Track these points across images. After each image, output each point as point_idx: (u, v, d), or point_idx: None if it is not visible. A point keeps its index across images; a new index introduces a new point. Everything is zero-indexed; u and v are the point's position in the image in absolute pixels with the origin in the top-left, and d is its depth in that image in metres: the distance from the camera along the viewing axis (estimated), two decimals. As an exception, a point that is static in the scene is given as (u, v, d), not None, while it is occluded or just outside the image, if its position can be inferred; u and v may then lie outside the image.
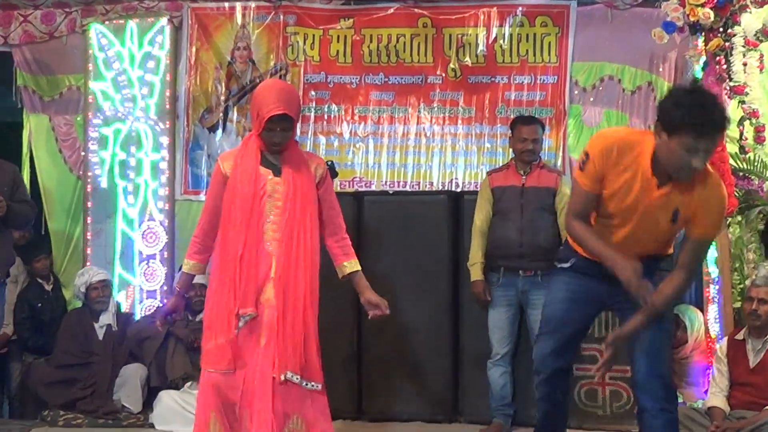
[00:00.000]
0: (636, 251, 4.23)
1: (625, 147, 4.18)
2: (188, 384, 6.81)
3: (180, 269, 5.32)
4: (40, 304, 7.73)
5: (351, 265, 5.15)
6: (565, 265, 4.56)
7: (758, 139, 6.20)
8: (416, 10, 8.11)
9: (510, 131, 6.58)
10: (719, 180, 4.21)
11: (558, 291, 4.61)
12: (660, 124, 4.01)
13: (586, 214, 4.37)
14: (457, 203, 6.86)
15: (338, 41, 8.24)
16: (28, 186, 8.10)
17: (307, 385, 4.80)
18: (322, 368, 4.89)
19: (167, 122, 8.21)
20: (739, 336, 5.74)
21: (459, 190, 7.84)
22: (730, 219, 6.15)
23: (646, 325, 4.25)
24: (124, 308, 7.82)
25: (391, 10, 8.16)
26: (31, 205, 6.48)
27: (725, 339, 5.84)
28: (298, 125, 8.06)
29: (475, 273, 6.34)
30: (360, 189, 7.98)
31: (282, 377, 4.70)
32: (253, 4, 8.28)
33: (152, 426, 6.71)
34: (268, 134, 4.84)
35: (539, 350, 4.64)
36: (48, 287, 7.90)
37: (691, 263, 4.31)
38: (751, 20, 5.98)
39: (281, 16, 8.25)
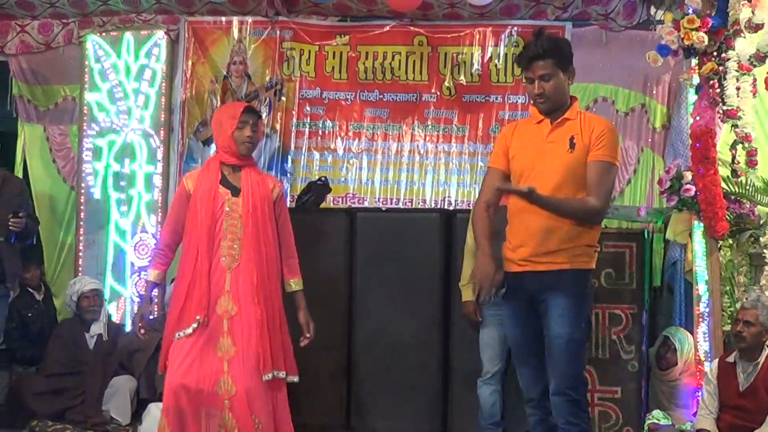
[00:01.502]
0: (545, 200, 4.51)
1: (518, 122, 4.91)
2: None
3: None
4: (30, 314, 7.71)
5: (296, 284, 5.60)
6: (502, 292, 4.79)
7: (750, 163, 6.22)
8: (412, 28, 8.16)
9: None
10: (598, 117, 4.84)
11: (508, 318, 4.86)
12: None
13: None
14: (450, 222, 6.87)
15: (334, 57, 8.27)
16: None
17: (286, 377, 5.37)
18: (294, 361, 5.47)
19: (162, 135, 8.23)
20: (730, 359, 5.75)
21: (452, 208, 7.86)
22: (721, 242, 6.16)
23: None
24: (115, 320, 7.82)
25: (387, 28, 8.20)
26: (35, 220, 6.55)
27: (716, 361, 5.85)
28: (292, 140, 8.18)
29: (467, 294, 6.33)
30: (353, 205, 8.00)
31: (267, 377, 5.23)
32: (249, 19, 8.31)
33: (141, 438, 6.71)
34: (240, 132, 5.32)
35: (523, 379, 4.81)
36: (39, 297, 7.89)
37: (594, 185, 4.53)
38: (745, 45, 6.00)
39: (278, 32, 8.29)
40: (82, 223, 8.25)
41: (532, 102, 4.74)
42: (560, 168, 4.56)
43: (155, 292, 5.60)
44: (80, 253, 8.20)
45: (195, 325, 5.20)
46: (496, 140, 4.98)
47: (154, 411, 6.70)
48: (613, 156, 4.61)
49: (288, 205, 7.85)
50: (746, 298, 5.98)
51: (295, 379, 5.43)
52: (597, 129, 4.59)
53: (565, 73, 4.63)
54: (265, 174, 5.84)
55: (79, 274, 7.97)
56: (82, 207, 8.25)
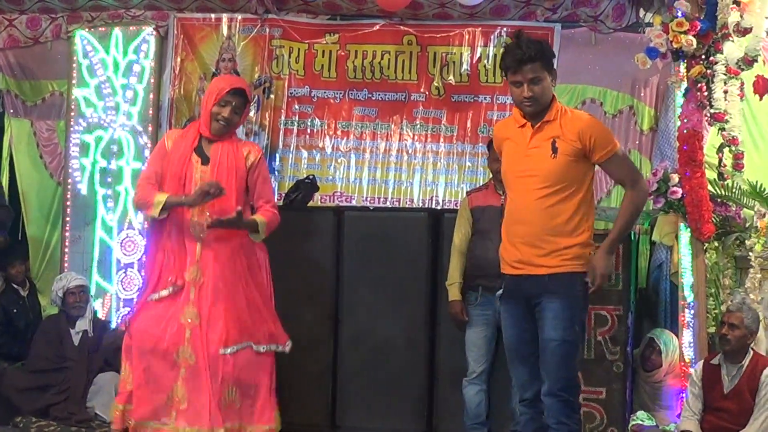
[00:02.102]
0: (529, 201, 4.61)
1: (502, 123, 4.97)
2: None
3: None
4: (15, 310, 7.68)
5: (255, 216, 5.46)
6: (499, 293, 4.89)
7: (737, 166, 6.24)
8: (402, 27, 8.16)
9: (488, 151, 6.61)
10: (577, 113, 4.81)
11: (504, 319, 4.88)
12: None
13: None
14: (437, 221, 6.87)
15: (323, 56, 8.27)
16: (6, 190, 8.11)
17: (258, 348, 5.35)
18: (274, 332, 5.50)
19: (150, 131, 8.20)
20: (715, 361, 5.77)
21: (439, 208, 7.88)
22: (707, 245, 6.19)
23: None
24: (101, 316, 7.79)
25: (377, 27, 8.21)
26: (8, 210, 6.50)
27: (701, 363, 5.87)
28: (281, 138, 8.17)
29: (453, 293, 6.34)
30: (340, 204, 8.00)
31: (230, 350, 5.26)
32: (239, 16, 8.30)
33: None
34: (218, 108, 5.30)
35: (517, 378, 4.89)
36: (24, 293, 7.85)
37: (625, 176, 4.73)
38: (733, 48, 6.02)
39: (267, 29, 8.28)
40: (68, 218, 8.21)
41: (516, 104, 4.79)
42: (545, 173, 4.61)
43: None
44: (66, 249, 8.17)
45: (171, 288, 5.27)
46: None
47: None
48: (613, 143, 4.68)
49: (276, 203, 7.91)
50: (731, 301, 6.01)
51: (286, 348, 5.48)
52: (582, 131, 4.61)
53: (550, 75, 4.68)
54: (242, 142, 5.73)
55: (65, 270, 7.93)
56: (68, 203, 8.22)
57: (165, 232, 5.36)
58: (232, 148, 5.41)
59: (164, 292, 5.29)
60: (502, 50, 4.82)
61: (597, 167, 4.75)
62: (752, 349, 5.73)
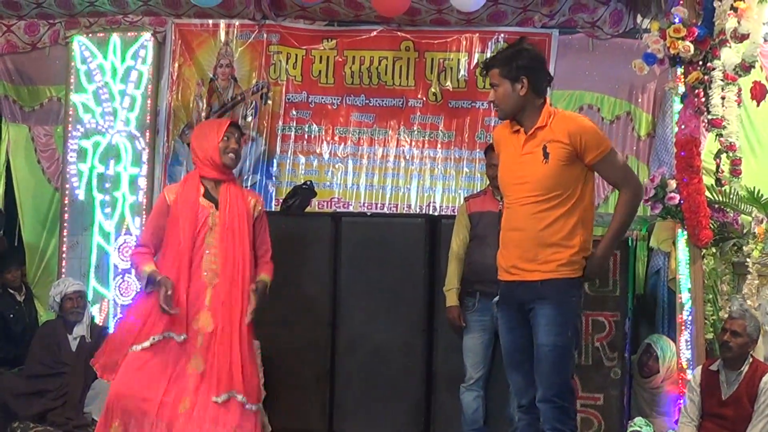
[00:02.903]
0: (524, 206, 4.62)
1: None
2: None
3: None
4: (11, 315, 7.69)
5: (262, 276, 5.43)
6: (496, 299, 4.91)
7: (734, 172, 6.24)
8: (399, 33, 8.17)
9: (485, 157, 6.62)
10: (567, 115, 4.82)
11: (500, 326, 4.90)
12: None
13: None
14: (435, 227, 6.87)
15: (320, 62, 8.27)
16: (3, 195, 8.12)
17: (246, 405, 5.15)
18: (259, 388, 5.33)
19: (147, 137, 8.21)
20: (714, 367, 5.76)
21: (437, 213, 7.87)
22: (704, 251, 6.18)
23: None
24: (98, 322, 7.79)
25: (374, 33, 8.21)
26: (1, 214, 6.50)
27: (699, 368, 5.86)
28: (278, 144, 8.18)
29: (451, 299, 6.33)
30: (338, 210, 8.00)
31: (221, 398, 5.08)
32: (237, 22, 8.30)
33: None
34: (224, 142, 5.27)
35: (514, 384, 4.88)
36: (20, 298, 7.86)
37: (619, 177, 4.71)
38: (730, 54, 6.03)
39: (265, 35, 8.28)
40: (66, 224, 8.22)
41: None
42: (537, 180, 4.61)
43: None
44: (64, 255, 8.17)
45: (154, 339, 5.10)
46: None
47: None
48: (605, 143, 4.67)
49: (273, 209, 7.92)
50: (730, 307, 6.01)
51: (253, 407, 5.20)
52: (572, 132, 4.60)
53: (514, 83, 4.65)
54: (246, 190, 5.83)
55: (63, 276, 7.93)
56: (66, 208, 8.22)
57: (170, 274, 5.16)
58: (238, 192, 5.40)
59: (146, 344, 5.10)
60: None
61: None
62: (751, 355, 5.73)
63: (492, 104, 4.79)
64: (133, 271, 5.58)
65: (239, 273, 5.24)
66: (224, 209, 5.26)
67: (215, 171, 5.32)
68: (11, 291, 7.81)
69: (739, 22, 5.82)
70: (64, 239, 8.20)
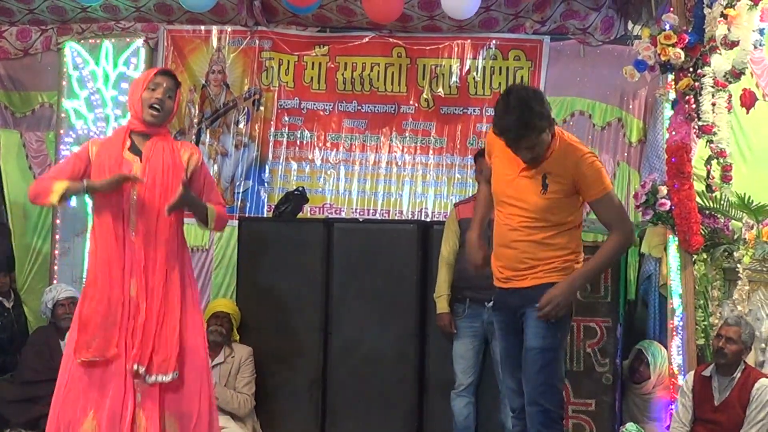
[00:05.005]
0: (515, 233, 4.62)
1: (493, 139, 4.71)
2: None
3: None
4: (0, 322, 7.65)
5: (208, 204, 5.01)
6: (489, 305, 4.99)
7: (725, 179, 6.26)
8: (391, 39, 8.17)
9: (474, 163, 6.63)
10: (572, 147, 4.64)
11: (496, 331, 4.98)
12: None
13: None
14: (426, 233, 6.89)
15: (313, 68, 8.28)
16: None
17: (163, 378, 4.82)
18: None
19: (139, 143, 8.18)
20: (707, 372, 5.77)
21: (428, 219, 7.87)
22: (695, 256, 6.20)
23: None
24: (90, 328, 7.75)
25: (366, 39, 8.21)
26: None
27: (691, 373, 5.87)
28: (270, 150, 8.17)
29: (441, 305, 6.35)
30: (330, 216, 8.00)
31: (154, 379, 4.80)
32: (229, 29, 8.31)
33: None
34: (149, 93, 4.83)
35: (507, 390, 4.93)
36: (8, 305, 7.81)
37: (612, 219, 4.66)
38: (721, 61, 6.05)
39: (257, 41, 8.29)
40: (58, 230, 8.20)
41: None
42: (533, 208, 4.61)
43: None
44: (55, 261, 8.15)
45: (93, 359, 4.94)
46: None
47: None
48: (606, 184, 4.66)
49: (265, 215, 7.91)
50: (721, 313, 6.03)
51: (167, 378, 4.82)
52: (574, 172, 4.57)
53: (547, 130, 4.54)
54: (181, 141, 5.40)
55: (55, 282, 7.91)
56: (57, 214, 8.19)
57: (104, 242, 4.85)
58: (167, 144, 4.92)
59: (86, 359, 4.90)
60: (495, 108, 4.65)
61: None
62: (744, 362, 5.74)
63: (532, 159, 4.58)
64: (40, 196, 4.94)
65: (161, 235, 4.82)
66: (146, 162, 4.82)
67: (140, 124, 4.90)
68: (-1, 297, 7.78)
69: (729, 29, 5.83)
70: (56, 245, 8.18)
